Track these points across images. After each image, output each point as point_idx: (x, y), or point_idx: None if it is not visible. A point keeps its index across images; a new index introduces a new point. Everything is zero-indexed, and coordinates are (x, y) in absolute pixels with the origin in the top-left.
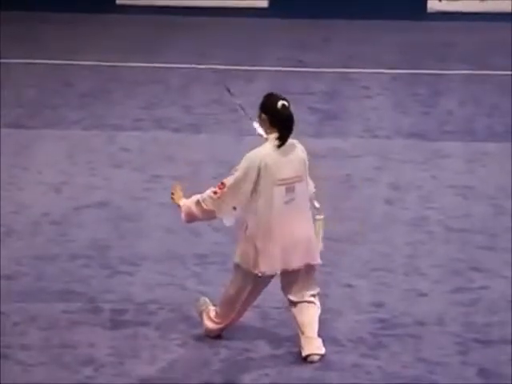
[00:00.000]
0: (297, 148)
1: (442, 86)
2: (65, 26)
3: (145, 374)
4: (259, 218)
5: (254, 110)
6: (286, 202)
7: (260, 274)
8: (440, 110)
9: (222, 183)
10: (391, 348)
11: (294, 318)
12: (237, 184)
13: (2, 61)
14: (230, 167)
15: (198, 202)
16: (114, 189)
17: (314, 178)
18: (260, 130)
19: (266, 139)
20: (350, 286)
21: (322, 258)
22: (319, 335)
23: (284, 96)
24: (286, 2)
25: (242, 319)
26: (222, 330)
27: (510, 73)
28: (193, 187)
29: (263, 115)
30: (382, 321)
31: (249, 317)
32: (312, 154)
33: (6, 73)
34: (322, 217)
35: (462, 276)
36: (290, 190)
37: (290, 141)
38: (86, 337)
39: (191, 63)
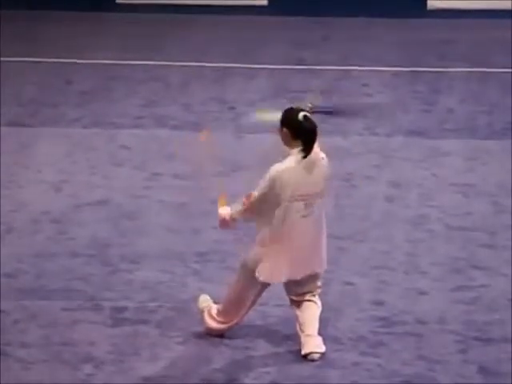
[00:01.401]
0: (321, 162)
1: (442, 83)
2: (65, 25)
3: (145, 372)
4: (273, 229)
5: (253, 108)
6: (304, 216)
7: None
8: (440, 107)
9: (250, 194)
10: (391, 346)
11: (296, 316)
12: (263, 195)
13: (2, 59)
14: (231, 165)
15: (230, 214)
16: (114, 187)
17: None
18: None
19: (289, 154)
20: (350, 284)
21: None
22: (319, 333)
23: (303, 108)
24: (286, 0)
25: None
26: (224, 330)
27: (510, 70)
28: (193, 185)
29: (285, 129)
30: (382, 319)
31: (249, 315)
32: None
33: (6, 71)
34: None
35: (462, 274)
36: (309, 205)
37: (317, 152)
38: (87, 334)
39: (191, 61)
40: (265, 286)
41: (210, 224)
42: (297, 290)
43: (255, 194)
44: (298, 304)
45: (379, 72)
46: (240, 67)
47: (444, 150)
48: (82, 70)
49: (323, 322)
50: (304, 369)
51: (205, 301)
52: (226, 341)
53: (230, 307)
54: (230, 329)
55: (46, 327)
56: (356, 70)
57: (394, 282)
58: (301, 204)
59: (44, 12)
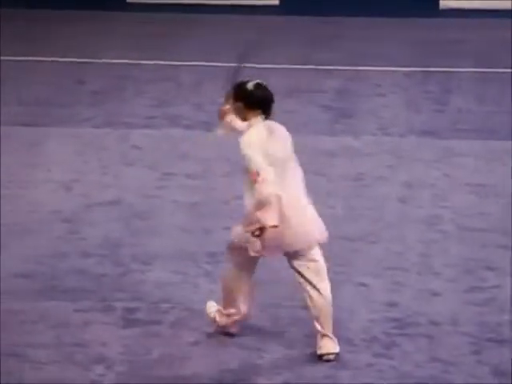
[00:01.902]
0: (281, 127)
1: (454, 83)
2: (76, 24)
3: (157, 373)
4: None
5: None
6: (281, 183)
7: (255, 255)
8: (452, 107)
9: (255, 172)
10: (405, 347)
11: (308, 309)
12: (260, 163)
13: (15, 58)
14: (239, 165)
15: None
16: (126, 187)
17: (326, 177)
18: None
19: (249, 126)
20: (363, 285)
21: (335, 258)
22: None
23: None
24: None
25: (254, 319)
26: (235, 322)
27: None
28: (205, 184)
29: (238, 103)
30: (395, 320)
31: (260, 316)
32: (324, 153)
33: (18, 71)
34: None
35: (475, 275)
36: (284, 170)
37: (272, 122)
38: (98, 335)
39: (203, 61)
40: (255, 261)
41: (221, 224)
42: (300, 262)
43: (256, 165)
44: (307, 290)
45: (391, 72)
46: (251, 67)
47: (456, 150)
48: (93, 69)
49: (336, 323)
50: (316, 370)
51: (212, 306)
52: (238, 342)
53: (232, 296)
54: (241, 320)
55: (58, 328)
56: (368, 70)
57: (407, 283)
58: (277, 170)
59: (55, 12)
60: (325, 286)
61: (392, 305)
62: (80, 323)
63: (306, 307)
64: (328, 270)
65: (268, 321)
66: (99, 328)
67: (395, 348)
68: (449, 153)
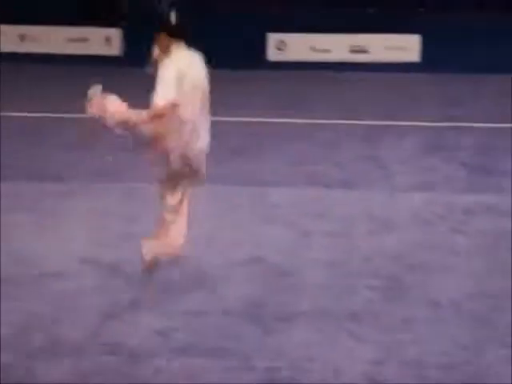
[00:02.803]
0: (200, 57)
1: None
2: (218, 84)
3: None
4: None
5: (405, 166)
6: (201, 109)
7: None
8: None
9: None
10: None
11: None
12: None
13: None
14: (383, 223)
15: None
16: (266, 245)
17: (465, 234)
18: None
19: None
20: (507, 346)
21: (475, 315)
22: None
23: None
24: (438, 56)
25: None
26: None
27: None
28: (345, 242)
29: (162, 34)
30: None
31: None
32: (464, 210)
33: None
34: None
35: None
36: (204, 95)
37: (192, 51)
38: None
39: (341, 119)
40: None
41: (363, 282)
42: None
43: (166, 96)
44: None
45: None
46: (391, 125)
47: None
48: (232, 127)
49: None
50: None
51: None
52: None
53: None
54: None
55: None
56: (509, 126)
57: None
58: (197, 93)
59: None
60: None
61: None
62: (221, 382)
63: None
64: (470, 329)
65: None
66: None
67: None
68: None
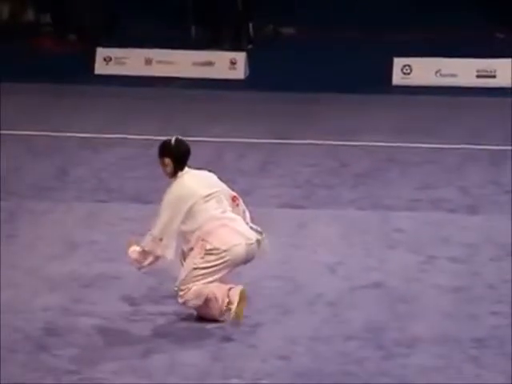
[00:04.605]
0: (202, 172)
1: None
2: (334, 108)
3: None
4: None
5: None
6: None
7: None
8: None
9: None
10: None
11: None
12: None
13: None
14: (507, 249)
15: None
16: (389, 270)
17: None
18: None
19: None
20: None
21: None
22: None
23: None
24: None
25: None
26: None
27: None
28: (469, 268)
29: (167, 159)
30: None
31: None
32: None
33: (282, 153)
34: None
35: None
36: (220, 200)
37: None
38: None
39: (467, 143)
40: None
41: (488, 309)
42: None
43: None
44: None
45: None
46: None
47: None
48: (357, 152)
49: None
50: None
51: None
52: None
53: None
54: None
55: None
56: None
57: None
58: (213, 202)
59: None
60: None
61: None
62: None
63: None
64: None
65: None
66: None
67: None
68: None
